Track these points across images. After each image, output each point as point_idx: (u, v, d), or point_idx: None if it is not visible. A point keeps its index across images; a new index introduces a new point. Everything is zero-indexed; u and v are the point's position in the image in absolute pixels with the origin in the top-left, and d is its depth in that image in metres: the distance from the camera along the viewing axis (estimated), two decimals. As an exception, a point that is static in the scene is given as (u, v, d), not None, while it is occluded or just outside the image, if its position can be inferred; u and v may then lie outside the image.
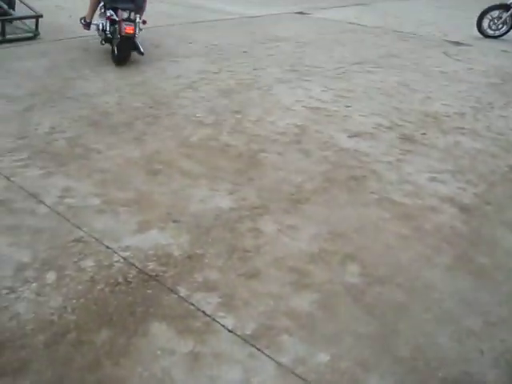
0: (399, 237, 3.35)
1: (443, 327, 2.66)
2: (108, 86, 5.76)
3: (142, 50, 6.28)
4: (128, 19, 5.98)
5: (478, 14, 10.04)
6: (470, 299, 2.87)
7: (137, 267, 2.89)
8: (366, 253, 3.17)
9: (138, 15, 6.11)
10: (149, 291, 2.72)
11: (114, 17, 6.06)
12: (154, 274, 2.85)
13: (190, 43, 7.87)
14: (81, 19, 6.89)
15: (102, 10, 6.46)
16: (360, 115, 5.30)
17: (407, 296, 2.84)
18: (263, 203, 3.60)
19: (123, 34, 5.97)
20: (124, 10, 5.99)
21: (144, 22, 6.20)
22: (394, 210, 3.63)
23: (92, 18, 6.77)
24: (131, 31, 5.98)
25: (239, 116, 5.07)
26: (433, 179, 4.10)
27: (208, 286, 2.80)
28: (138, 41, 6.25)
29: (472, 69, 7.61)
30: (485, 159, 4.54)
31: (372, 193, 3.84)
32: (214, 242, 3.16)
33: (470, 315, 2.75)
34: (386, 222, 3.50)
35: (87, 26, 6.84)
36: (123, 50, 6.28)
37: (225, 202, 3.59)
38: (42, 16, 7.38)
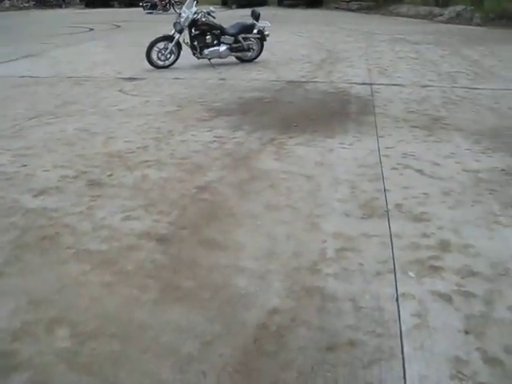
0: (103, 286, 3.27)
1: (164, 362, 2.65)
2: None
3: None
4: None
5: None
6: (184, 326, 2.90)
7: None
8: (73, 311, 3.03)
9: None
10: None
11: None
12: None
13: None
14: None
15: None
16: (43, 171, 5.10)
17: (123, 343, 2.78)
18: None
19: None
20: None
21: None
22: (94, 260, 3.55)
23: None
24: None
25: None
26: (126, 218, 4.10)
27: None
28: None
29: (149, 101, 7.86)
30: (173, 186, 4.68)
31: (68, 248, 3.70)
32: None
33: (186, 341, 2.78)
34: (87, 274, 3.39)
35: None
36: None
37: None
38: None
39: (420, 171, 4.95)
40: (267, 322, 2.92)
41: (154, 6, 28.67)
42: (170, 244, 3.74)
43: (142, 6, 27.85)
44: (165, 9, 28.61)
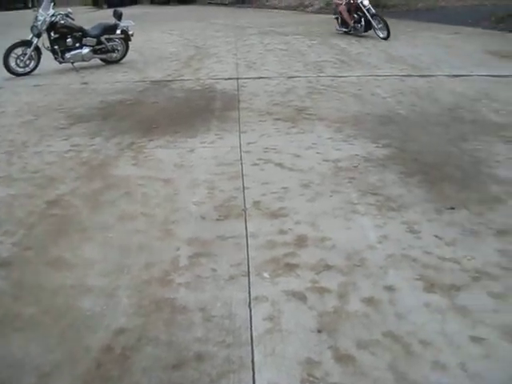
0: None
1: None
2: None
3: None
4: None
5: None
6: (21, 358, 2.66)
7: None
8: None
9: None
10: None
11: None
12: None
13: None
14: None
15: None
16: None
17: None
18: None
19: None
20: None
21: None
22: None
23: None
24: None
25: None
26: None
27: None
28: None
29: (4, 112, 7.39)
30: (22, 203, 4.37)
31: None
32: None
33: (22, 377, 2.56)
34: None
35: None
36: None
37: None
38: None
39: (280, 165, 4.90)
40: (112, 343, 2.73)
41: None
42: (13, 268, 3.46)
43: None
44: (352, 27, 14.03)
